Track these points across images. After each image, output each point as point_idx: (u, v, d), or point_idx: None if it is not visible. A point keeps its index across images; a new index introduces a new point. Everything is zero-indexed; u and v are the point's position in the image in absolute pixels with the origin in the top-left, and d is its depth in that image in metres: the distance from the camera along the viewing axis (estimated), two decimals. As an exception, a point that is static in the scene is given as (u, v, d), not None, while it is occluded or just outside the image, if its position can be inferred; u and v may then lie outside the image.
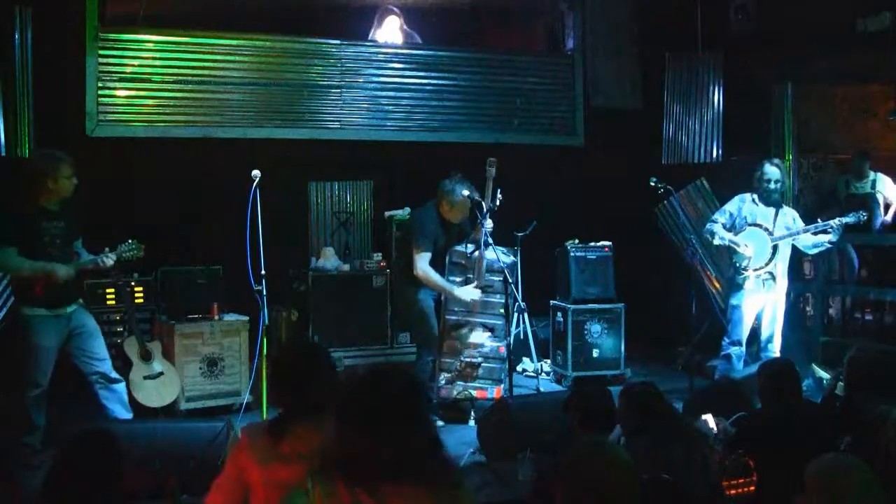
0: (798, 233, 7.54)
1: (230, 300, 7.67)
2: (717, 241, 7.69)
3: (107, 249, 6.23)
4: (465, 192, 6.97)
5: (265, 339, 5.99)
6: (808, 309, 9.16)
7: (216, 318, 7.57)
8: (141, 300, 7.85)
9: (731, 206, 7.81)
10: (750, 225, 7.64)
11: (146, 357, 7.09)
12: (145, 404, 6.96)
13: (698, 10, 9.50)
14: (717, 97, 9.56)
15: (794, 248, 7.74)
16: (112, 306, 7.78)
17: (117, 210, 7.99)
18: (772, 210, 7.66)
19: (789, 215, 7.77)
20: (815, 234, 7.50)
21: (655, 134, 9.78)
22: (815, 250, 7.69)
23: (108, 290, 7.76)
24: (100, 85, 8.13)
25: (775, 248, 7.54)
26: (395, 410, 2.69)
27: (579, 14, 10.08)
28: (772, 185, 7.60)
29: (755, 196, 7.73)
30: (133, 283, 7.82)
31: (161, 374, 7.10)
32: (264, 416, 5.70)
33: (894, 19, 8.13)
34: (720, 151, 9.47)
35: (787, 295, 8.57)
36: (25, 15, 7.32)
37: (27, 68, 7.37)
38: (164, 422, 6.10)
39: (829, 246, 7.61)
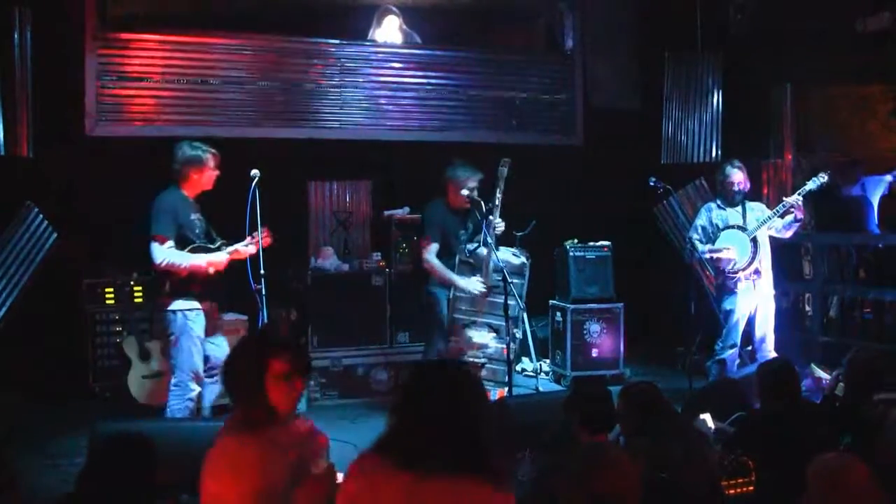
0: (770, 218, 7.58)
1: (229, 300, 7.67)
2: (699, 256, 7.72)
3: (248, 238, 6.30)
4: (465, 190, 7.03)
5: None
6: (807, 308, 9.16)
7: (215, 317, 7.56)
8: (140, 300, 7.86)
9: (701, 219, 7.87)
10: (723, 229, 7.67)
11: (145, 356, 7.11)
12: (144, 403, 6.97)
13: (698, 9, 9.49)
14: (717, 97, 9.55)
15: (773, 242, 7.76)
16: (111, 306, 7.79)
17: (116, 209, 7.99)
18: (738, 209, 7.72)
19: (756, 209, 7.83)
20: (783, 215, 7.54)
21: (655, 134, 9.77)
22: (789, 231, 7.71)
23: (107, 290, 7.77)
24: (99, 84, 8.12)
25: (755, 241, 7.56)
26: (463, 405, 2.81)
27: (578, 14, 10.06)
28: (736, 188, 7.66)
29: (719, 201, 7.79)
30: (132, 283, 7.83)
31: (160, 373, 7.10)
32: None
33: (893, 19, 8.13)
34: (719, 151, 9.45)
35: (786, 294, 8.60)
36: (25, 14, 7.32)
37: (27, 67, 7.36)
38: (162, 421, 6.09)
39: (797, 224, 7.64)
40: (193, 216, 6.28)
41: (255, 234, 6.31)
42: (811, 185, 7.45)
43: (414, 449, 2.74)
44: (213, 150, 6.38)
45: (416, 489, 2.69)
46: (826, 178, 7.47)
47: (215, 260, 6.19)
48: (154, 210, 6.12)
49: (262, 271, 6.00)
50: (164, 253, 6.01)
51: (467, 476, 2.73)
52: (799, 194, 7.46)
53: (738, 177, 7.66)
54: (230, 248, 6.28)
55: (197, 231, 6.26)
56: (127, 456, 3.34)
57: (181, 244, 6.09)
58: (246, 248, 6.28)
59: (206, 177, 6.35)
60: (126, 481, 3.25)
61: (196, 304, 6.17)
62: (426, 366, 2.99)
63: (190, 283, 6.12)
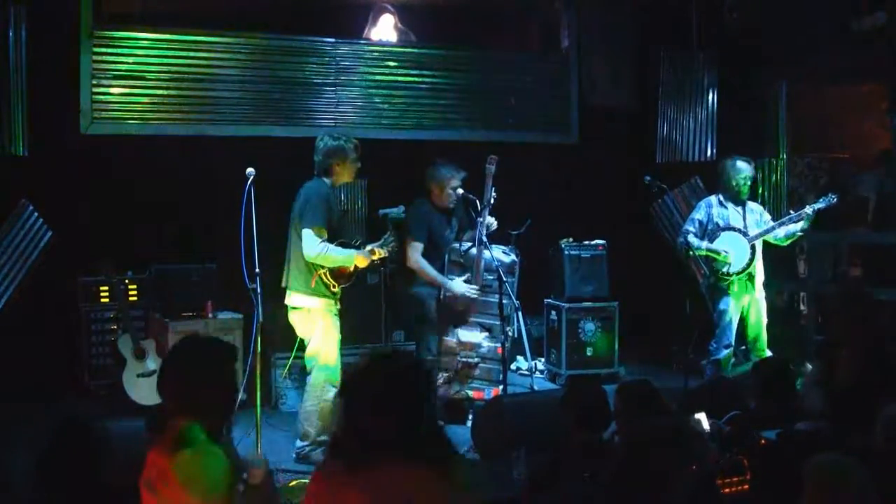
0: (773, 228, 7.60)
1: (225, 298, 7.67)
2: (693, 253, 7.72)
3: (377, 242, 6.35)
4: (454, 182, 7.03)
5: (259, 338, 5.98)
6: (802, 307, 9.16)
7: (210, 316, 7.56)
8: (135, 298, 7.85)
9: (699, 213, 7.87)
10: (723, 229, 7.67)
11: (140, 355, 7.09)
12: (139, 402, 6.96)
13: (693, 8, 9.51)
14: (712, 96, 9.56)
15: (766, 242, 7.77)
16: (106, 304, 7.78)
17: (112, 207, 7.98)
18: (740, 209, 7.74)
19: (756, 212, 7.86)
20: (787, 225, 7.55)
21: (650, 132, 9.78)
22: (788, 241, 7.72)
23: (102, 288, 7.76)
24: (94, 82, 8.11)
25: (753, 248, 7.58)
26: (393, 389, 2.80)
27: (574, 12, 10.07)
28: (748, 182, 7.68)
29: (720, 197, 7.80)
30: (127, 281, 7.82)
31: (155, 372, 7.09)
32: (257, 415, 5.69)
33: (889, 19, 8.14)
34: (714, 150, 9.46)
35: (780, 294, 8.61)
36: (20, 12, 7.31)
37: (21, 66, 7.36)
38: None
39: (801, 234, 7.65)
40: (336, 207, 6.36)
41: (385, 236, 6.41)
42: (821, 204, 7.43)
43: (357, 445, 2.75)
44: (354, 140, 6.42)
45: (365, 484, 2.70)
46: (835, 199, 7.48)
47: (359, 259, 6.22)
48: (307, 201, 6.19)
49: (256, 269, 5.98)
50: (321, 245, 6.05)
51: (414, 465, 2.74)
52: (808, 210, 7.45)
53: (748, 170, 7.68)
54: (368, 248, 6.31)
55: (343, 222, 6.46)
56: (70, 444, 3.31)
57: (330, 238, 6.15)
58: (381, 248, 6.32)
59: (349, 168, 6.37)
60: (72, 466, 3.23)
61: (333, 300, 6.25)
62: (362, 360, 2.98)
63: (336, 279, 6.20)
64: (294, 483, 5.67)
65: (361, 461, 2.72)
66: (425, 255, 7.14)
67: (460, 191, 7.08)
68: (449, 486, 2.77)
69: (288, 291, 6.34)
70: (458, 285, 7.05)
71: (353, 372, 2.95)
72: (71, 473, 3.23)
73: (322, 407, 6.22)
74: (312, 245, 6.06)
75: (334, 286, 6.21)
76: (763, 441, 4.43)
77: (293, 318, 6.34)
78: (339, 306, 6.34)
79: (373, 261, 6.35)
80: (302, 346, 6.54)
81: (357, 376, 2.89)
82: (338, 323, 6.31)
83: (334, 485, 2.77)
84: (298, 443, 6.26)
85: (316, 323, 6.22)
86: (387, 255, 6.44)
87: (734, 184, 7.71)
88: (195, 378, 3.24)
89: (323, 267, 6.15)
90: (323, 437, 6.23)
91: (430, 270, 7.09)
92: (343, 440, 2.82)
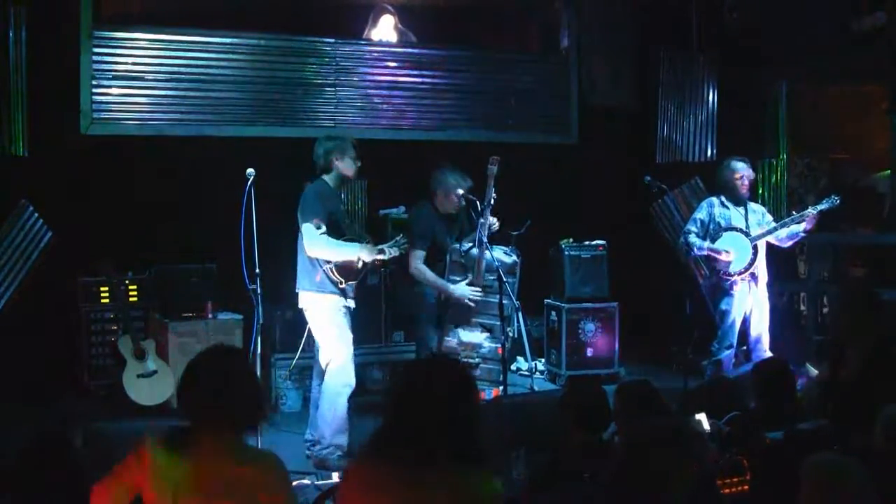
0: (776, 229, 7.60)
1: (225, 299, 7.67)
2: (695, 253, 7.73)
3: (389, 243, 6.47)
4: (460, 189, 7.02)
5: (259, 339, 5.99)
6: (802, 308, 9.16)
7: (210, 316, 7.56)
8: (135, 298, 7.85)
9: (701, 213, 7.88)
10: (725, 230, 7.68)
11: (140, 355, 7.09)
12: (139, 403, 6.96)
13: (693, 8, 9.51)
14: (712, 96, 9.56)
15: (768, 244, 7.78)
16: (106, 304, 7.78)
17: (112, 207, 7.98)
18: (741, 209, 7.74)
19: (758, 212, 7.88)
20: (790, 225, 7.56)
21: (650, 132, 9.78)
22: (791, 242, 7.73)
23: (102, 288, 7.75)
24: (94, 83, 8.09)
25: (755, 248, 7.58)
26: (425, 396, 2.84)
27: (574, 12, 10.06)
28: (742, 182, 7.70)
29: (723, 198, 7.80)
30: (127, 282, 7.82)
31: (155, 372, 7.10)
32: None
33: (889, 19, 8.15)
34: (714, 150, 9.47)
35: (781, 295, 8.61)
36: (20, 12, 7.31)
37: (21, 66, 7.36)
38: (157, 421, 6.08)
39: (803, 235, 7.66)
40: (341, 207, 6.44)
41: (397, 238, 6.53)
42: (823, 206, 7.45)
43: (411, 446, 2.78)
44: (352, 139, 6.55)
45: (414, 485, 2.73)
46: (838, 200, 7.47)
47: (365, 254, 6.24)
48: (304, 199, 6.27)
49: (257, 270, 5.98)
50: (320, 238, 6.08)
51: (463, 469, 2.78)
52: (810, 210, 7.46)
53: (744, 169, 7.70)
54: (379, 247, 6.38)
55: (347, 222, 6.43)
56: (44, 456, 3.28)
57: (332, 234, 6.17)
58: (390, 249, 6.39)
59: (349, 162, 6.44)
60: (46, 479, 3.21)
61: (340, 297, 6.25)
62: (418, 363, 3.02)
63: (343, 275, 6.20)
64: (294, 484, 5.67)
65: (411, 463, 2.76)
66: (428, 258, 7.13)
67: (460, 191, 7.06)
68: (486, 494, 2.83)
69: (298, 293, 6.35)
70: (461, 290, 7.04)
71: (412, 375, 3.00)
72: (55, 477, 3.20)
73: (338, 408, 6.21)
74: (311, 236, 6.10)
75: (342, 282, 6.21)
76: (768, 442, 4.43)
77: (309, 320, 6.37)
78: (348, 304, 6.35)
79: (378, 258, 6.36)
80: (304, 348, 6.54)
81: (418, 381, 2.93)
82: (347, 321, 6.31)
83: (377, 483, 2.81)
84: (313, 442, 6.29)
85: (324, 322, 6.21)
86: (398, 255, 6.47)
87: (729, 184, 7.74)
88: (229, 390, 3.11)
89: (328, 262, 6.15)
90: (339, 440, 6.23)
91: (431, 277, 7.06)
92: (393, 441, 2.85)
